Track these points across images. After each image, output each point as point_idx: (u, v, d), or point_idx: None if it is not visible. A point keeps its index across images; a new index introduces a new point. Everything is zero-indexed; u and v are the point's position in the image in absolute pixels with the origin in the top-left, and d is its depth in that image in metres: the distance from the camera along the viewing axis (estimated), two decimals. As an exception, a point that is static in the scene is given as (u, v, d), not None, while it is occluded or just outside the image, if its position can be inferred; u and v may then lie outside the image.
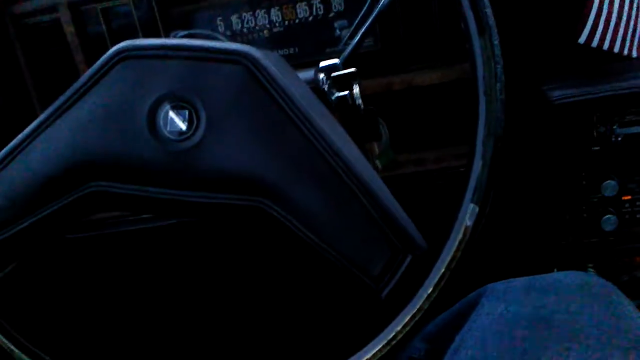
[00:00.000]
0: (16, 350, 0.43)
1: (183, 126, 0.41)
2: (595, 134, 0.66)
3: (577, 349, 0.42)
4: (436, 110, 0.68)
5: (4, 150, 0.43)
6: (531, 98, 0.67)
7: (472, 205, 0.36)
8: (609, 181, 0.67)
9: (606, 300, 0.47)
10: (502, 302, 0.50)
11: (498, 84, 0.35)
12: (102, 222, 0.72)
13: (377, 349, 0.38)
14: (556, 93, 0.65)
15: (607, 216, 0.68)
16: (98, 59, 0.42)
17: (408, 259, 0.39)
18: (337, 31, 0.72)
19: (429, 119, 0.68)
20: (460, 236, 0.37)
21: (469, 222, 0.37)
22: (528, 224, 0.71)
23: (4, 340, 0.43)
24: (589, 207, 0.68)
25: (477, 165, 0.36)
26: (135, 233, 0.71)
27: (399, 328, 0.38)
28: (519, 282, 0.52)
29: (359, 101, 0.53)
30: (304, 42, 0.72)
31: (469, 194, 0.37)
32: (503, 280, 0.54)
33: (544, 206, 0.70)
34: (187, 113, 0.41)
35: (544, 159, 0.67)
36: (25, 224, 0.43)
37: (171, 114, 0.41)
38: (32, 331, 0.45)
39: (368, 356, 0.38)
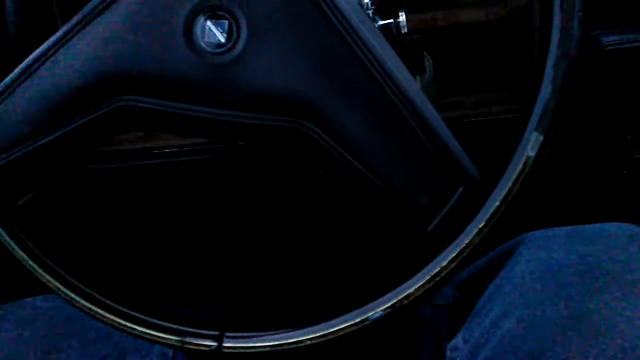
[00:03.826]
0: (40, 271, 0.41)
1: (222, 38, 0.38)
2: (645, 85, 0.62)
3: (629, 300, 0.40)
4: (478, 51, 0.64)
5: (28, 59, 0.41)
6: (581, 43, 0.63)
7: (535, 133, 0.34)
8: (655, 136, 0.63)
9: (657, 251, 0.45)
10: (544, 250, 0.48)
11: (577, -1, 0.32)
12: (122, 155, 0.70)
13: (420, 284, 0.36)
14: (607, 38, 0.61)
15: (649, 173, 0.65)
16: None
17: (459, 191, 0.36)
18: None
19: (469, 60, 0.65)
20: (519, 167, 0.34)
21: (531, 153, 0.34)
22: (567, 176, 0.68)
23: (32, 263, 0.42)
24: (631, 163, 0.65)
25: (546, 90, 0.33)
26: (156, 167, 0.69)
27: (444, 263, 0.35)
28: (561, 230, 0.50)
29: (405, 30, 0.49)
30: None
31: (533, 122, 0.33)
32: (542, 229, 0.52)
33: (584, 160, 0.67)
34: (226, 24, 0.38)
35: (589, 108, 0.64)
36: (50, 138, 0.40)
37: (209, 24, 0.38)
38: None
39: (410, 291, 0.36)
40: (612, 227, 0.48)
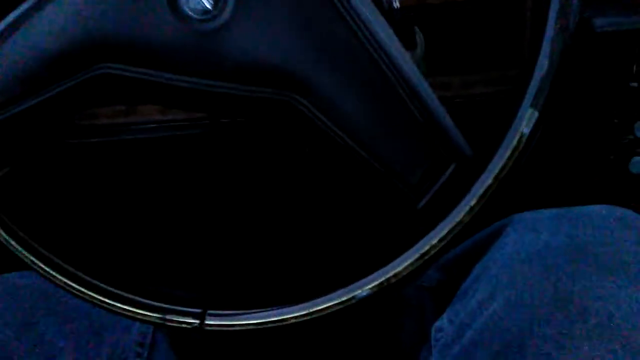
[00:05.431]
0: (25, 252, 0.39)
1: (207, 4, 0.37)
2: (634, 69, 0.62)
3: (616, 281, 0.40)
4: (469, 30, 0.63)
5: (3, 22, 0.39)
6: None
7: (530, 110, 0.33)
8: (643, 121, 0.63)
9: (646, 234, 0.44)
10: (532, 231, 0.47)
11: (576, -29, 0.31)
12: (102, 129, 0.68)
13: (408, 262, 0.35)
14: (599, 21, 0.60)
15: (637, 158, 0.65)
16: None
17: (451, 168, 0.35)
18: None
19: (459, 39, 0.63)
20: (514, 144, 0.33)
21: (525, 130, 0.33)
22: (554, 159, 0.67)
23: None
24: (618, 147, 0.65)
25: (543, 64, 0.32)
26: (137, 142, 0.67)
27: (434, 242, 0.34)
28: (550, 212, 0.50)
29: (396, 4, 0.48)
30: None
31: (528, 98, 0.33)
32: (530, 210, 0.52)
33: (572, 143, 0.67)
34: (212, -11, 0.37)
35: (578, 91, 0.63)
36: (26, 106, 0.39)
37: (195, -11, 0.37)
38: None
39: (398, 269, 0.35)
40: (600, 209, 0.48)
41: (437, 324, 0.50)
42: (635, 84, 0.62)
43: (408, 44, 0.52)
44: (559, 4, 0.31)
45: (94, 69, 0.38)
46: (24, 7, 0.38)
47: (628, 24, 0.60)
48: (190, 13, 0.37)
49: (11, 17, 0.38)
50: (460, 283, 0.52)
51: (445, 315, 0.50)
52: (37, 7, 0.38)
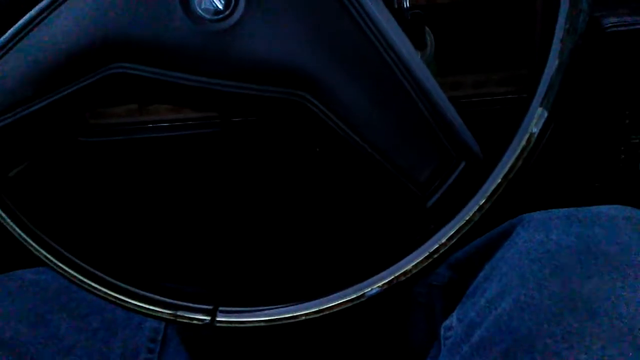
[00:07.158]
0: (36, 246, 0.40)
1: (219, 4, 0.37)
2: (645, 69, 0.62)
3: (627, 281, 0.40)
4: (478, 30, 0.63)
5: (19, 23, 0.39)
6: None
7: (540, 109, 0.33)
8: (654, 121, 0.63)
9: (656, 234, 0.44)
10: (542, 231, 0.47)
11: (586, -29, 0.31)
12: (114, 128, 0.69)
13: (418, 261, 0.35)
14: (609, 20, 0.60)
15: (646, 159, 0.65)
16: None
17: (461, 166, 0.35)
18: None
19: (469, 39, 0.63)
20: (523, 143, 0.33)
21: (534, 129, 0.33)
22: (564, 159, 0.67)
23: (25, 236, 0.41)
24: (628, 147, 0.65)
25: (552, 64, 0.32)
26: (149, 141, 0.68)
27: (444, 240, 0.35)
28: (560, 212, 0.50)
29: (407, 4, 0.48)
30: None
31: (538, 97, 0.33)
32: (540, 211, 0.52)
33: (582, 142, 0.67)
34: (224, -10, 0.37)
35: (589, 91, 0.63)
36: (44, 103, 0.39)
37: (207, -11, 0.37)
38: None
39: (408, 267, 0.35)
40: (610, 209, 0.48)
41: (447, 322, 0.51)
42: (646, 84, 0.62)
43: (418, 44, 0.52)
44: (569, 4, 0.32)
45: (108, 68, 0.39)
46: (39, 6, 0.39)
47: (638, 23, 0.59)
48: (202, 14, 0.37)
49: (27, 16, 0.39)
50: (470, 282, 0.52)
51: (454, 314, 0.50)
52: (51, 8, 0.39)
